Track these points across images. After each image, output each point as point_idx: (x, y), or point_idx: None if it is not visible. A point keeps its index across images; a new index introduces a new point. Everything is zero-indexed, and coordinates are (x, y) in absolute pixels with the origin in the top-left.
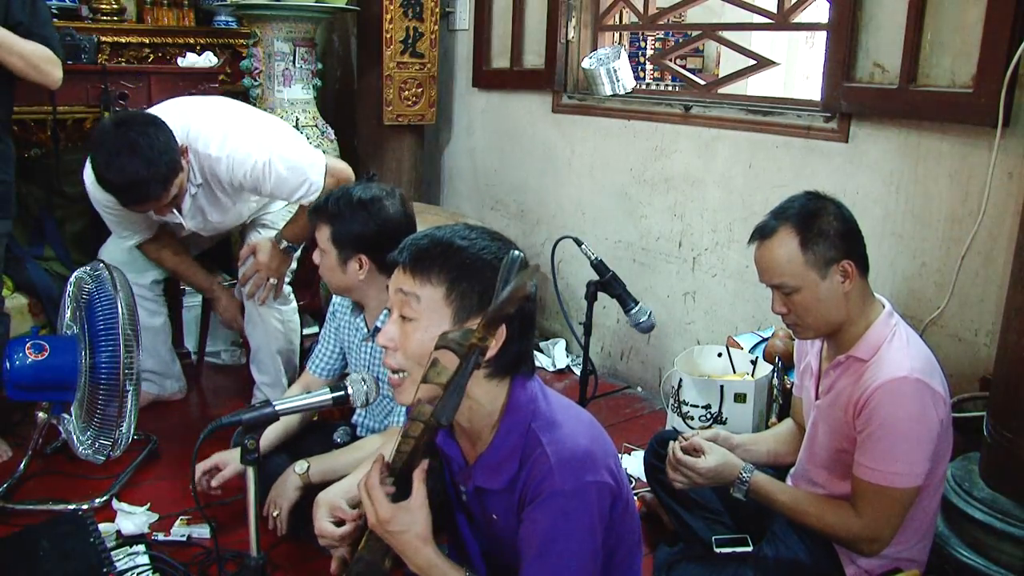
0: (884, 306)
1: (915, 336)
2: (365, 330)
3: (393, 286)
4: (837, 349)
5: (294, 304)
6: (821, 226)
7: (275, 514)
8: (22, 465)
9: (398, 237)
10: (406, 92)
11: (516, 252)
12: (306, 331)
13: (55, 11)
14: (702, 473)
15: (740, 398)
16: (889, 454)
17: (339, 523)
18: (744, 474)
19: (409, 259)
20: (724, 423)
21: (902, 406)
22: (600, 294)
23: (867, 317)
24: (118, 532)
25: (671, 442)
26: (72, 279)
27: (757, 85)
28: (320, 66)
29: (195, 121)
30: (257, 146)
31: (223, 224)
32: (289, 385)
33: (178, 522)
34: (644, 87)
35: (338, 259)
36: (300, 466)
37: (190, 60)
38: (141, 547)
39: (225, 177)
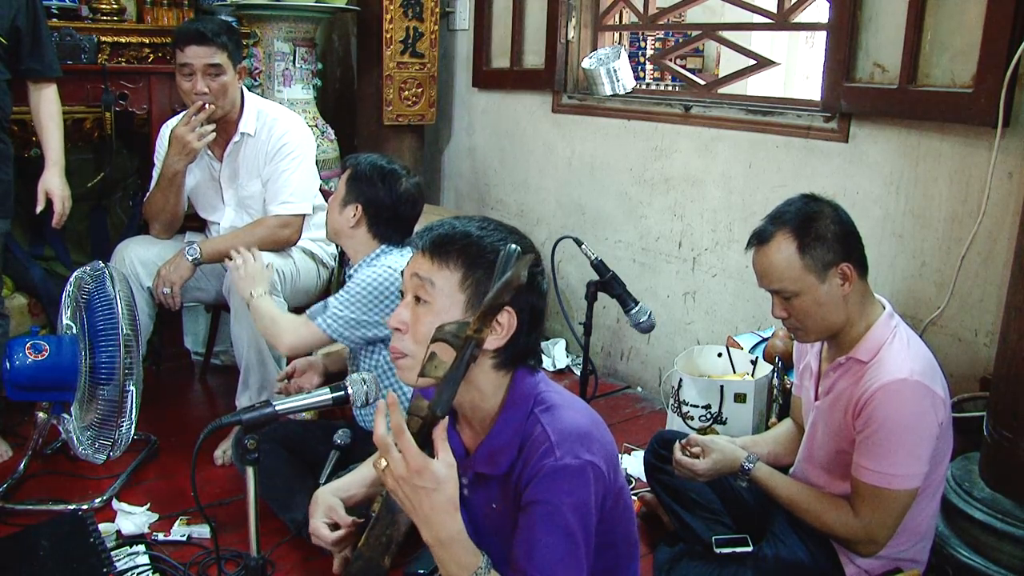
0: (884, 307)
1: (915, 337)
2: None
3: (409, 270)
4: (837, 350)
5: (283, 301)
6: (819, 230)
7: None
8: (22, 465)
9: (395, 211)
10: (406, 92)
11: (512, 246)
12: None
13: (55, 11)
14: (700, 473)
15: (740, 398)
16: (888, 456)
17: (335, 527)
18: (746, 465)
19: (428, 243)
20: (724, 423)
21: (902, 408)
22: (600, 294)
23: (867, 318)
24: (118, 532)
25: (676, 444)
26: (72, 279)
27: (757, 85)
28: (320, 66)
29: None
30: (307, 134)
31: (244, 195)
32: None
33: (178, 522)
34: (644, 87)
35: (342, 199)
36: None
37: None
38: (141, 547)
39: (274, 132)
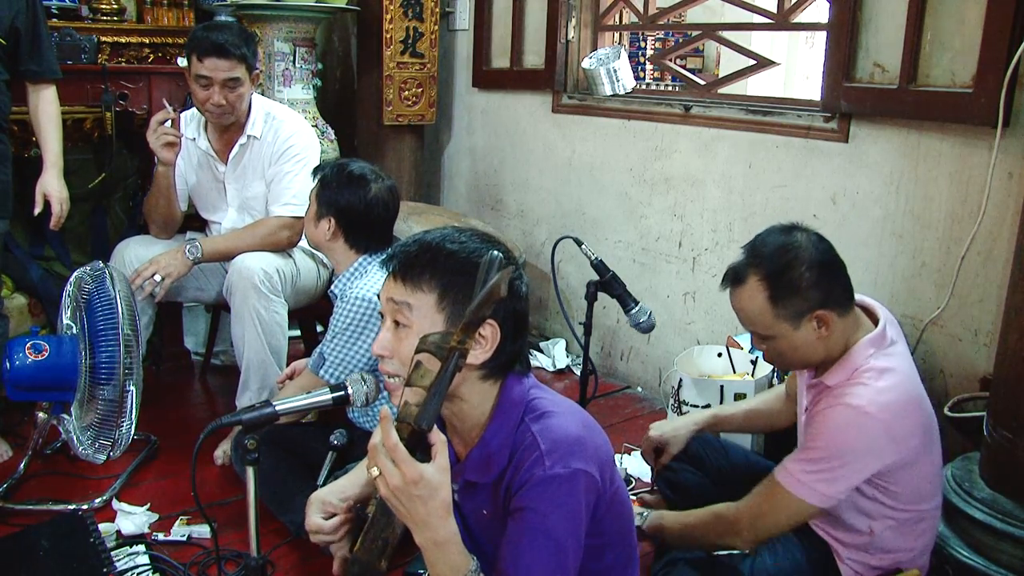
0: (873, 328)
1: (899, 368)
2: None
3: (384, 295)
4: (815, 371)
5: (284, 301)
6: (791, 279)
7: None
8: (22, 465)
9: (368, 218)
10: (406, 92)
11: (495, 252)
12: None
13: (55, 11)
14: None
15: (740, 398)
16: (807, 463)
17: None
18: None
19: (399, 267)
20: None
21: (842, 433)
22: (600, 294)
23: (848, 344)
24: (118, 532)
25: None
26: (72, 279)
27: (757, 85)
28: (320, 66)
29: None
30: (314, 137)
31: (247, 196)
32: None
33: (178, 522)
34: (644, 87)
35: (315, 213)
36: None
37: None
38: (141, 547)
39: (280, 134)
